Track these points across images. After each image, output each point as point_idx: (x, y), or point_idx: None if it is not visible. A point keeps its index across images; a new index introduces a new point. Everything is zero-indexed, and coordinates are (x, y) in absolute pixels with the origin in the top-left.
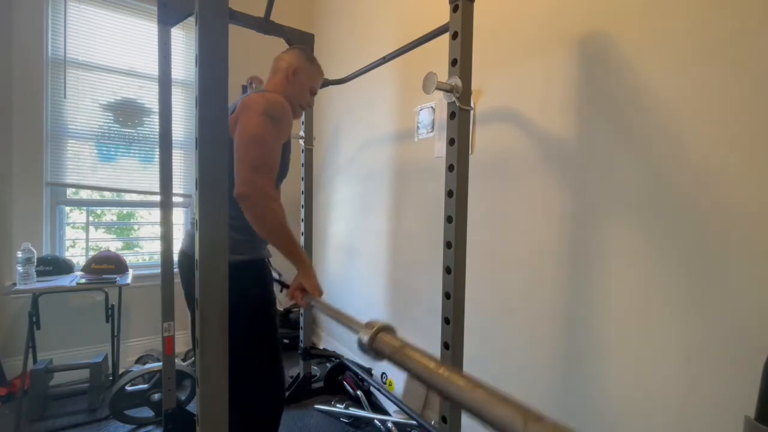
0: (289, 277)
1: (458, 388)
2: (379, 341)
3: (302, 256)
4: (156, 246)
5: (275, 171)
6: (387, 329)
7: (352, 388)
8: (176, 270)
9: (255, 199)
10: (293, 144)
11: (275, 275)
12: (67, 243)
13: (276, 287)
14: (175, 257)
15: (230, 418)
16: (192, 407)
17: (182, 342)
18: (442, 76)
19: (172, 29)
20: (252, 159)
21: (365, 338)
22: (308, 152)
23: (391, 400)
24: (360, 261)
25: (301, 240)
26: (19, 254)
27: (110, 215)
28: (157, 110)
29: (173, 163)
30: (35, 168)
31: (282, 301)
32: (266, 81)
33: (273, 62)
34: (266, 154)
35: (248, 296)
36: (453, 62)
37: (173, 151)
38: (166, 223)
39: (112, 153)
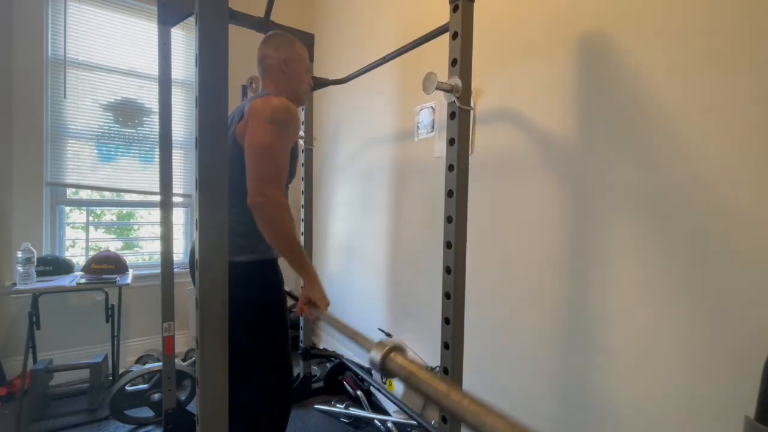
0: (290, 278)
1: (471, 414)
2: (391, 361)
3: (310, 267)
4: (156, 246)
5: (285, 178)
6: (398, 349)
7: (352, 388)
8: (177, 270)
9: (268, 209)
10: None
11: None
12: (67, 243)
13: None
14: (176, 257)
15: (235, 418)
16: (192, 407)
17: (182, 342)
18: (442, 76)
19: (172, 29)
20: (263, 170)
21: (377, 357)
22: (308, 152)
23: (391, 400)
24: (360, 261)
25: (301, 240)
26: (19, 254)
27: (110, 215)
28: (157, 110)
29: (173, 163)
30: (35, 168)
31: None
32: (262, 82)
33: (259, 63)
34: (276, 164)
35: (256, 296)
36: (453, 62)
37: (173, 151)
38: (166, 223)
39: (112, 153)
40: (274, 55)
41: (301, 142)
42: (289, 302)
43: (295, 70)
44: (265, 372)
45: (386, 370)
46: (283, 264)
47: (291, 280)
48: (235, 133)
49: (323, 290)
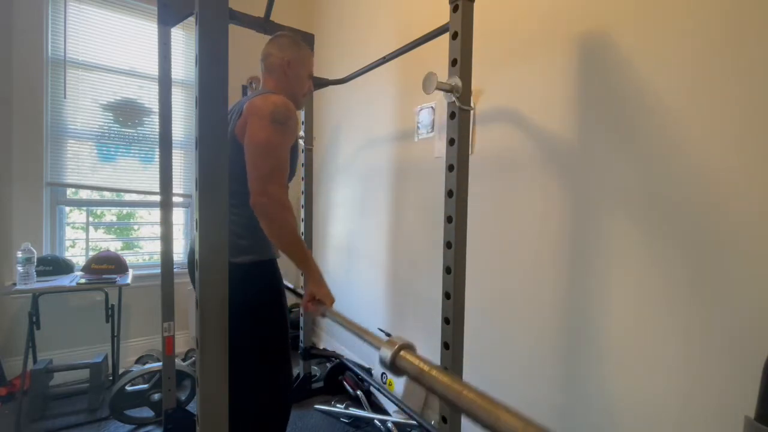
0: (290, 278)
1: (484, 411)
2: (402, 359)
3: (313, 265)
4: (156, 246)
5: (287, 176)
6: (408, 347)
7: (352, 388)
8: (177, 270)
9: (271, 209)
10: None
11: (288, 284)
12: (67, 243)
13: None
14: (176, 257)
15: (236, 419)
16: (192, 407)
17: (182, 342)
18: (442, 76)
19: (172, 29)
20: (265, 168)
21: (387, 356)
22: (308, 152)
23: (391, 400)
24: (360, 261)
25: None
26: (19, 254)
27: (110, 215)
28: (157, 110)
29: (173, 163)
30: (35, 168)
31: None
32: (263, 80)
33: (262, 60)
34: (277, 161)
35: (256, 297)
36: (453, 62)
37: (173, 151)
38: (166, 223)
39: (112, 153)
40: (277, 54)
41: (301, 142)
42: (291, 301)
43: (297, 72)
44: (266, 373)
45: (397, 369)
46: (283, 262)
47: (293, 276)
48: (234, 131)
49: (327, 287)
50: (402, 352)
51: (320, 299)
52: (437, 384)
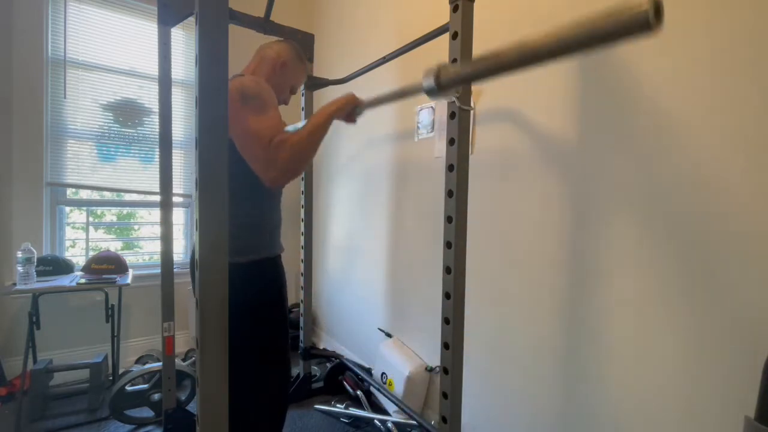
0: (290, 278)
1: (520, 52)
2: (444, 77)
3: (323, 112)
4: (156, 246)
5: (280, 132)
6: (443, 65)
7: (352, 388)
8: (177, 270)
9: (284, 170)
10: None
11: None
12: (67, 243)
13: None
14: (176, 257)
15: (235, 419)
16: (192, 407)
17: (182, 342)
18: None
19: (172, 29)
20: (257, 151)
21: (431, 81)
22: None
23: (391, 400)
24: (360, 261)
25: (301, 240)
26: (19, 254)
27: (110, 215)
28: (157, 110)
29: (173, 163)
30: (35, 168)
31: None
32: (247, 66)
33: (259, 49)
34: (264, 139)
35: (256, 297)
36: (453, 62)
37: (173, 151)
38: (166, 223)
39: (112, 153)
40: (277, 50)
41: None
42: (291, 301)
43: (284, 76)
44: (265, 373)
45: (444, 86)
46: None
47: (290, 282)
48: None
49: (342, 98)
50: (441, 70)
51: (350, 108)
52: (480, 65)
